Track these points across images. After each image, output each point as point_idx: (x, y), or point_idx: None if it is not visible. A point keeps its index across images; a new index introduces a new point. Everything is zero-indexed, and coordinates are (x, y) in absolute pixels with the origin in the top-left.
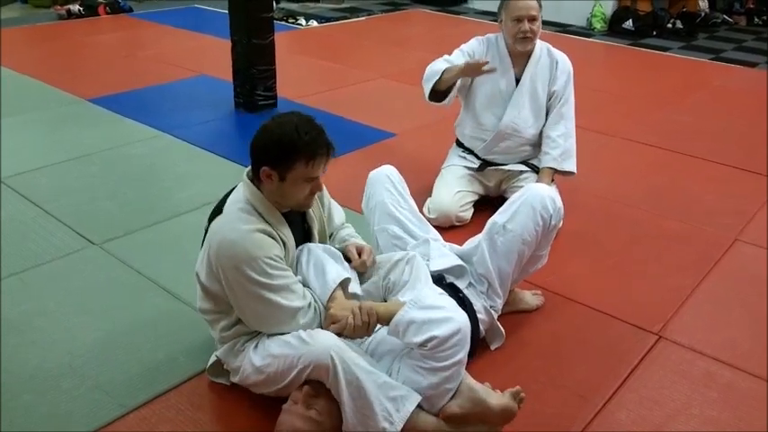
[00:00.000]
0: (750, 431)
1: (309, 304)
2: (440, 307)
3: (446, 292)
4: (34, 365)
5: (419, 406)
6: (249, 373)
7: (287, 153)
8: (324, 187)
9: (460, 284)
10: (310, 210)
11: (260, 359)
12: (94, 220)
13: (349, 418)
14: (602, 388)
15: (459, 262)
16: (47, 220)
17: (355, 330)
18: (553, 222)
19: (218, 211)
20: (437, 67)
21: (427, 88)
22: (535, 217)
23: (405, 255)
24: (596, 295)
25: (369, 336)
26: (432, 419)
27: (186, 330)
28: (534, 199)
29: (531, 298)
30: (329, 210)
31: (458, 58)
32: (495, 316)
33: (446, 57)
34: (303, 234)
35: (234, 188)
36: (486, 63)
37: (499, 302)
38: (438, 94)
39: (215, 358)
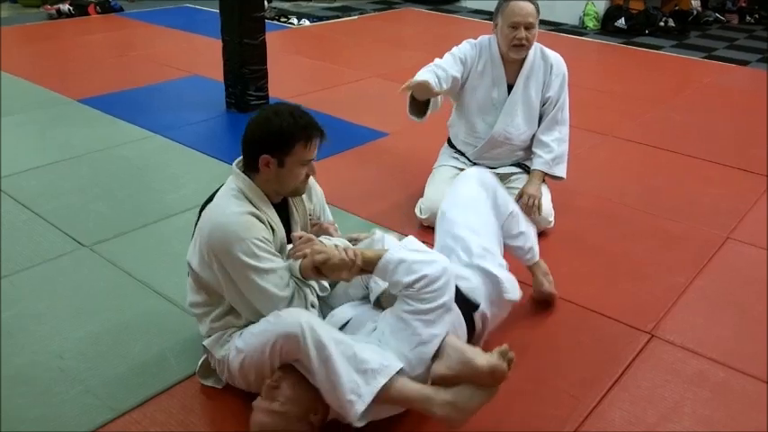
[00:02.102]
0: (743, 430)
1: (293, 295)
2: (426, 250)
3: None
4: (24, 369)
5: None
6: (232, 358)
7: (286, 138)
8: (318, 188)
9: None
10: (294, 206)
11: (241, 341)
12: (85, 221)
13: (321, 389)
14: (595, 387)
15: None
16: (37, 222)
17: (338, 265)
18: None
19: (209, 201)
20: (418, 75)
21: (408, 103)
22: (479, 195)
23: (381, 235)
24: (589, 295)
25: (348, 279)
26: (415, 386)
27: (177, 333)
28: (465, 180)
29: (548, 285)
30: (322, 207)
31: (449, 62)
32: (489, 268)
33: (437, 61)
34: (287, 227)
35: (223, 184)
36: (437, 94)
37: (484, 256)
38: (419, 106)
39: (204, 357)
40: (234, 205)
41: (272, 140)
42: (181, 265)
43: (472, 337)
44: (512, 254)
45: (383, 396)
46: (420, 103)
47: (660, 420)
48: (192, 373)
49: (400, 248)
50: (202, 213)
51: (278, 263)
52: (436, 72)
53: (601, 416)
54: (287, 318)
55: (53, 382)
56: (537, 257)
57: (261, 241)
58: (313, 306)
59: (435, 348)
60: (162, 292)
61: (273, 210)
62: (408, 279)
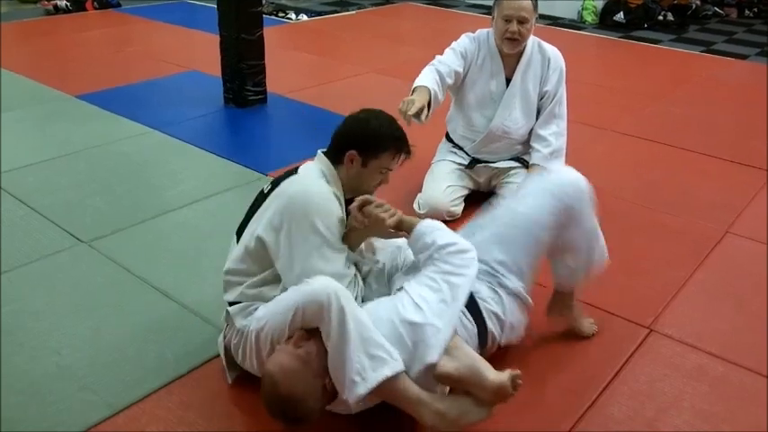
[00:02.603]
0: (742, 423)
1: (354, 276)
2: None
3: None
4: (22, 366)
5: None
6: (252, 328)
7: (380, 142)
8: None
9: None
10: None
11: (264, 309)
12: (83, 217)
13: (330, 359)
14: (594, 382)
15: None
16: (35, 217)
17: (382, 207)
18: (570, 202)
19: (286, 177)
20: (420, 78)
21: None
22: (551, 198)
23: (404, 241)
24: (587, 289)
25: (384, 234)
26: (414, 388)
27: (175, 329)
28: (551, 178)
29: (588, 326)
30: None
31: (450, 58)
32: (511, 295)
33: (438, 58)
34: None
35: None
36: (420, 118)
37: (514, 281)
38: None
39: (222, 339)
40: (322, 182)
41: (366, 140)
42: (180, 261)
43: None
44: (553, 272)
45: (384, 387)
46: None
47: (659, 414)
48: (192, 369)
49: (436, 222)
50: (286, 180)
51: (346, 249)
52: (439, 70)
53: (600, 410)
54: (316, 285)
55: (51, 379)
56: (571, 289)
57: (338, 222)
58: (357, 297)
59: (454, 313)
60: (161, 288)
61: (344, 201)
62: (443, 241)
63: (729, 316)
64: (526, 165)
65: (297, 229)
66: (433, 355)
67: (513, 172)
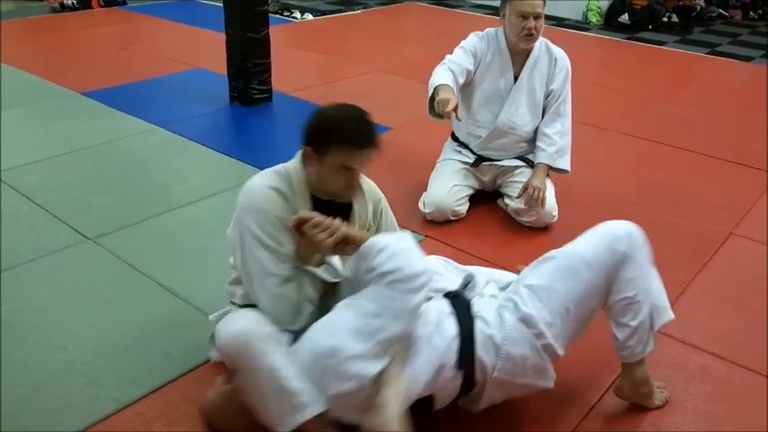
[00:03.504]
0: (745, 424)
1: (288, 279)
2: (416, 249)
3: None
4: (28, 361)
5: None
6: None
7: (331, 136)
8: (391, 217)
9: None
10: (356, 215)
11: (221, 324)
12: (88, 214)
13: (251, 402)
14: (598, 382)
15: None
16: (40, 214)
17: (320, 224)
18: (623, 248)
19: None
20: (436, 78)
21: (428, 104)
22: (600, 240)
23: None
24: None
25: (326, 248)
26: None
27: (180, 325)
28: (602, 226)
29: (660, 396)
30: (384, 227)
31: (461, 57)
32: (522, 322)
33: (449, 57)
34: None
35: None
36: (456, 114)
37: (533, 308)
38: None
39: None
40: (268, 177)
41: (318, 134)
42: (185, 259)
43: (467, 392)
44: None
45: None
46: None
47: (662, 415)
48: (197, 366)
49: (391, 238)
50: None
51: (283, 246)
52: (451, 69)
53: (603, 410)
54: (229, 333)
55: (57, 374)
56: (639, 357)
57: (274, 220)
58: (311, 301)
59: (377, 342)
60: (166, 285)
61: (309, 201)
62: (387, 267)
63: (733, 317)
64: (531, 164)
65: (236, 225)
66: (334, 387)
67: (518, 171)
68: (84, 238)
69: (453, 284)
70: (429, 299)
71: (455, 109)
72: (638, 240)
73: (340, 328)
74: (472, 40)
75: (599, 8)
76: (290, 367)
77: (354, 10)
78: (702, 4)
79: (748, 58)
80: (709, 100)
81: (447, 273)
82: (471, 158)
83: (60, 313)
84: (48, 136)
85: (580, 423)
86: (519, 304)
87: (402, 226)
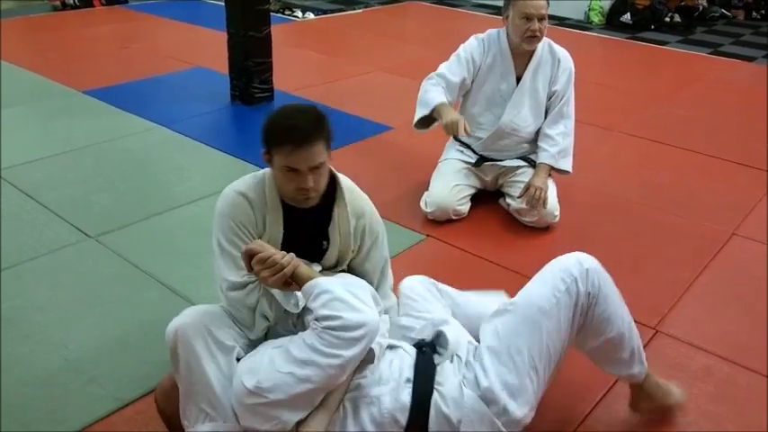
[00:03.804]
0: (747, 425)
1: (245, 286)
2: (362, 299)
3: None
4: (29, 360)
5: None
6: None
7: (266, 135)
8: (374, 227)
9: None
10: (336, 228)
11: None
12: (90, 212)
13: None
14: (600, 381)
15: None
16: (42, 212)
17: (266, 260)
18: (583, 288)
19: None
20: (430, 96)
21: (417, 115)
22: (554, 281)
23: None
24: None
25: (274, 282)
26: None
27: None
28: (553, 264)
29: (678, 394)
30: (366, 248)
31: (452, 68)
32: (483, 400)
33: (440, 70)
34: (315, 249)
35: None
36: (466, 131)
37: (494, 380)
38: (425, 119)
39: None
40: (242, 182)
41: (263, 135)
42: (185, 257)
43: None
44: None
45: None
46: (426, 119)
47: (664, 416)
48: None
49: (337, 283)
50: None
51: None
52: (441, 85)
53: (605, 410)
54: (172, 325)
55: (58, 372)
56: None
57: (237, 224)
58: (265, 317)
59: (298, 394)
60: (167, 284)
61: (279, 210)
62: (323, 312)
63: (735, 317)
64: (533, 164)
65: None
66: (256, 423)
67: (520, 171)
68: (85, 236)
69: (428, 328)
70: (395, 347)
71: (465, 127)
72: (598, 273)
73: (269, 370)
74: (470, 46)
75: (601, 8)
76: (213, 375)
77: (355, 9)
78: (705, 4)
79: (751, 59)
80: (711, 100)
81: (431, 299)
82: (473, 158)
83: (61, 312)
84: (49, 134)
85: (582, 422)
86: (479, 377)
87: (403, 225)
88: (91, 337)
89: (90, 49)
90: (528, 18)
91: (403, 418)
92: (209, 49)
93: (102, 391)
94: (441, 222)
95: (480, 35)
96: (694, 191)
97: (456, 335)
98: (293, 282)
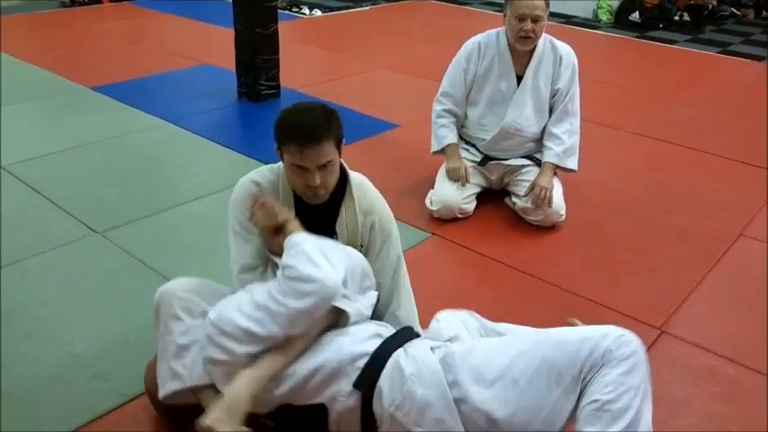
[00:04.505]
0: (751, 426)
1: (251, 266)
2: (328, 258)
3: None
4: (34, 354)
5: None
6: None
7: (277, 133)
8: (385, 224)
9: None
10: (344, 223)
11: None
12: (97, 208)
13: None
14: None
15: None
16: (49, 207)
17: (265, 210)
18: (605, 344)
19: None
20: (441, 133)
21: (432, 147)
22: (582, 335)
23: None
24: (598, 289)
25: (261, 226)
26: (208, 398)
27: None
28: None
29: None
30: (377, 247)
31: (453, 84)
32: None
33: (444, 85)
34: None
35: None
36: (466, 181)
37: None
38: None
39: None
40: (258, 171)
41: (274, 132)
42: (191, 253)
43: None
44: None
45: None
46: None
47: (668, 415)
48: None
49: (310, 240)
50: None
51: (253, 236)
52: (449, 112)
53: None
54: (165, 284)
55: (63, 367)
56: None
57: (243, 209)
58: None
59: (250, 333)
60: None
61: (291, 202)
62: (285, 261)
63: (741, 319)
64: (538, 163)
65: None
66: (209, 352)
67: (525, 170)
68: (92, 231)
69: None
70: (380, 325)
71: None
72: (634, 351)
73: (231, 307)
74: (461, 58)
75: (609, 6)
76: (181, 334)
77: (363, 6)
78: (714, 2)
79: (760, 58)
80: (719, 99)
81: (458, 327)
82: (478, 157)
83: (67, 307)
84: (57, 130)
85: None
86: (452, 348)
87: (409, 223)
88: (96, 333)
89: (98, 46)
90: (521, 18)
91: (361, 363)
92: (216, 45)
93: (106, 385)
94: (446, 221)
95: (475, 38)
96: (701, 191)
97: (450, 324)
98: (281, 234)
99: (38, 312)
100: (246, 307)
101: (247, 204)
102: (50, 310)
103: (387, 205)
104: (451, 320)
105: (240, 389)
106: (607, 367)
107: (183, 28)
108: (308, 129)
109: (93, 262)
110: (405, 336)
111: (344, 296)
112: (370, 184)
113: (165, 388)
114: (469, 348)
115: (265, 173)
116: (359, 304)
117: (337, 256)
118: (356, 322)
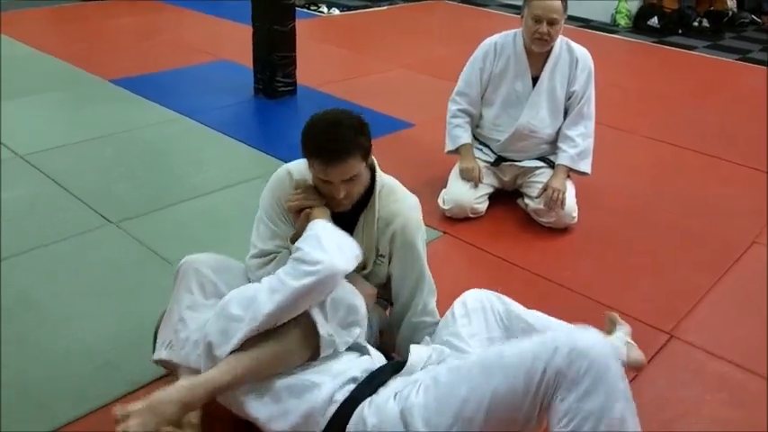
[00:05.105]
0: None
1: (264, 253)
2: (339, 246)
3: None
4: (46, 342)
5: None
6: None
7: (303, 146)
8: (406, 236)
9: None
10: (360, 233)
11: None
12: (112, 199)
13: None
14: None
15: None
16: (66, 198)
17: (302, 190)
18: (558, 362)
19: None
20: (456, 133)
21: (446, 147)
22: (537, 345)
23: None
24: (609, 292)
25: (290, 203)
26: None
27: None
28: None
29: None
30: (397, 258)
31: (469, 84)
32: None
33: (460, 85)
34: None
35: None
36: (479, 181)
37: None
38: None
39: None
40: (295, 163)
41: (302, 140)
42: (203, 246)
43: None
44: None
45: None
46: None
47: (677, 421)
48: None
49: (327, 227)
50: None
51: (276, 226)
52: (465, 111)
53: None
54: (191, 255)
55: (75, 354)
56: None
57: (276, 199)
58: None
59: (246, 307)
60: None
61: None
62: (297, 244)
63: (752, 325)
64: (552, 165)
65: None
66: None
67: (538, 171)
68: (107, 221)
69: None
70: (362, 349)
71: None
72: (591, 360)
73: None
74: (479, 53)
75: (628, 11)
76: (187, 306)
77: (381, 6)
78: (734, 9)
79: None
80: (737, 106)
81: (477, 320)
82: (492, 157)
83: (81, 294)
84: (75, 121)
85: None
86: (410, 396)
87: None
88: (108, 321)
89: (116, 39)
90: (537, 20)
91: (331, 411)
92: (233, 41)
93: (117, 374)
94: (458, 220)
95: (493, 37)
96: (715, 197)
97: (421, 359)
98: (306, 218)
99: (52, 299)
100: (260, 285)
101: (278, 193)
102: (64, 297)
103: (417, 212)
104: (422, 353)
105: (171, 392)
106: (561, 391)
107: (201, 24)
108: (333, 147)
109: (107, 251)
110: (380, 379)
111: (330, 335)
112: (404, 189)
113: (158, 353)
114: (424, 400)
115: (301, 166)
116: (336, 338)
117: (348, 245)
118: (335, 353)
